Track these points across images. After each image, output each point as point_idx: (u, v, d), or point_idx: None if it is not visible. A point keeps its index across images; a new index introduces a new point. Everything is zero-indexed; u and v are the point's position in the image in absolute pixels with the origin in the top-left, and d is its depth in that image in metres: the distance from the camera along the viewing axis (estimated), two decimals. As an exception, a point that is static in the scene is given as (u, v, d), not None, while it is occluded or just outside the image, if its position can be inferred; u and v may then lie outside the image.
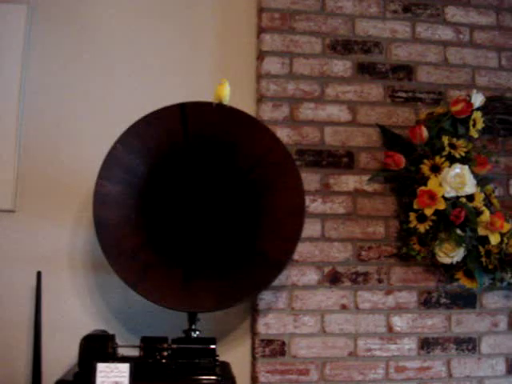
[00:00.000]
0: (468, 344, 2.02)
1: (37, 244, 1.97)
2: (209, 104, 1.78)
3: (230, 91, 1.80)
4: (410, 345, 2.00)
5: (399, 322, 2.00)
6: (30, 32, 2.07)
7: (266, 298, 1.94)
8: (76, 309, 1.95)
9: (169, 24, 2.13)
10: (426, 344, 2.00)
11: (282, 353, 1.93)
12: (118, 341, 1.73)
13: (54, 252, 1.97)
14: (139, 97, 2.06)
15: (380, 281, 2.01)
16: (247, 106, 2.02)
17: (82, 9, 2.10)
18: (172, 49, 2.12)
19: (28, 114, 2.03)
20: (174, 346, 1.65)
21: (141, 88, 2.08)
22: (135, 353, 1.67)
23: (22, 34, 2.05)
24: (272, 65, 2.05)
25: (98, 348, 1.62)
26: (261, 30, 2.08)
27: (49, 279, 1.90)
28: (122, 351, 1.68)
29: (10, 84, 2.03)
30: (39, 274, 1.86)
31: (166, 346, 1.65)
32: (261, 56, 2.06)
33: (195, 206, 1.82)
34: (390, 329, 1.99)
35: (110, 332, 1.75)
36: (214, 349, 1.66)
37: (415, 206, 1.93)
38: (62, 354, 1.87)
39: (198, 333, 1.71)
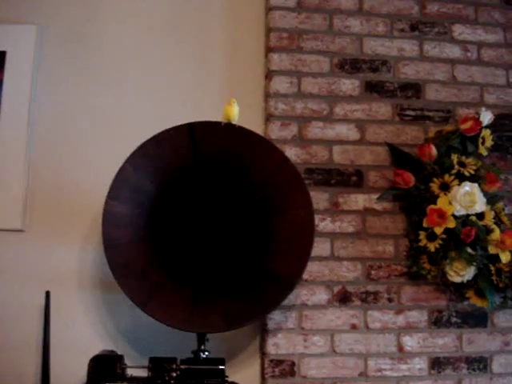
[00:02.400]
0: (479, 363, 2.00)
1: (46, 264, 1.96)
2: (217, 124, 1.78)
3: (239, 111, 1.80)
4: (420, 364, 1.97)
5: (410, 342, 1.97)
6: (40, 52, 2.09)
7: (275, 317, 1.93)
8: (85, 328, 1.94)
9: (178, 44, 2.14)
10: (437, 364, 1.98)
11: (292, 373, 1.91)
12: (127, 361, 1.72)
13: (63, 271, 1.96)
14: (149, 116, 2.07)
15: (390, 300, 1.99)
16: (256, 125, 2.01)
17: (92, 29, 2.12)
18: (181, 69, 2.13)
19: (37, 134, 2.04)
20: (183, 366, 1.64)
21: (150, 108, 2.09)
22: (144, 373, 1.65)
23: (32, 54, 2.07)
24: (280, 84, 2.06)
25: (106, 369, 1.61)
26: (269, 50, 2.08)
27: (58, 299, 1.89)
28: (130, 372, 1.67)
29: (20, 103, 2.04)
30: (48, 294, 1.86)
31: (174, 366, 1.63)
32: (269, 75, 2.07)
33: (204, 226, 1.82)
34: (400, 348, 1.97)
35: (119, 352, 1.73)
36: (223, 369, 1.65)
37: (425, 225, 1.92)
38: (70, 374, 1.85)
39: (207, 353, 1.70)
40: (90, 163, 2.04)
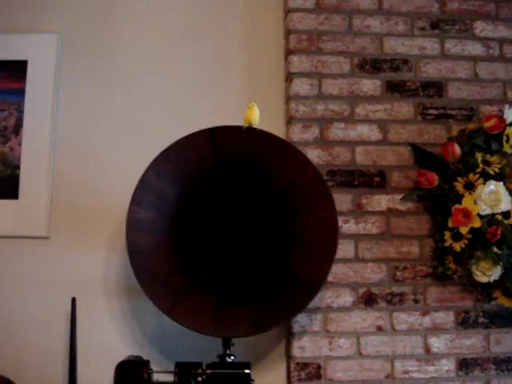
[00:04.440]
0: (508, 364, 1.97)
1: (71, 270, 1.98)
2: (238, 128, 1.78)
3: (259, 114, 1.80)
4: (448, 366, 1.95)
5: (437, 343, 1.95)
6: (61, 61, 2.10)
7: (300, 320, 1.92)
8: (110, 334, 1.95)
9: (197, 49, 2.15)
10: (465, 365, 1.95)
11: (318, 376, 1.90)
12: (153, 366, 1.72)
13: (89, 278, 1.98)
14: (170, 122, 2.07)
15: (416, 301, 1.97)
16: (277, 127, 2.01)
17: (111, 36, 2.13)
18: (201, 73, 2.13)
19: (60, 141, 2.06)
20: (209, 371, 1.64)
21: (171, 113, 2.10)
22: (170, 378, 1.65)
23: (53, 63, 2.09)
24: (301, 86, 2.05)
25: (133, 374, 1.62)
26: (288, 52, 2.08)
27: (83, 305, 1.91)
28: (156, 377, 1.67)
29: (43, 112, 2.06)
30: (74, 301, 1.88)
31: (200, 371, 1.64)
32: (289, 77, 2.06)
33: (227, 230, 1.82)
34: (427, 350, 1.95)
35: (145, 357, 1.74)
36: (248, 373, 1.64)
37: (450, 225, 1.90)
38: (97, 380, 1.87)
39: (232, 358, 1.69)
40: (112, 169, 2.05)
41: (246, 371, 1.65)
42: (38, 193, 2.01)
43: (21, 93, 2.07)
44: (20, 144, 2.04)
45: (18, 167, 2.02)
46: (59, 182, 2.04)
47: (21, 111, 2.06)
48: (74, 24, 2.13)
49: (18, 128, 2.05)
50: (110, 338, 1.95)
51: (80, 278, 1.97)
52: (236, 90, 2.13)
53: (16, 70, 2.08)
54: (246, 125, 1.78)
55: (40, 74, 2.08)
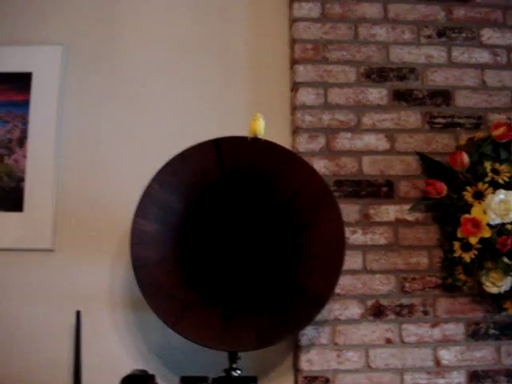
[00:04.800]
0: (519, 376, 1.95)
1: (76, 283, 1.96)
2: (243, 138, 1.76)
3: (265, 124, 1.78)
4: (458, 378, 1.91)
5: (447, 355, 1.92)
6: (66, 72, 2.10)
7: (308, 333, 1.90)
8: (116, 347, 1.93)
9: (202, 59, 2.14)
10: (476, 377, 1.92)
11: (327, 390, 1.88)
12: (159, 380, 1.70)
13: (93, 291, 1.96)
14: (175, 133, 2.06)
15: (425, 313, 1.94)
16: (283, 138, 2.00)
17: (116, 47, 2.13)
18: (206, 84, 2.12)
19: (65, 153, 2.05)
20: (215, 385, 1.62)
21: (176, 124, 2.09)
22: (175, 393, 1.64)
23: (58, 75, 2.08)
24: (306, 96, 2.03)
25: (138, 389, 1.60)
26: (294, 62, 2.06)
27: (89, 318, 1.90)
28: (162, 391, 1.66)
29: (47, 124, 2.06)
30: (78, 314, 1.87)
31: (206, 385, 1.62)
32: (295, 87, 2.05)
33: (233, 242, 1.80)
34: (437, 362, 1.92)
35: (150, 371, 1.72)
36: (255, 388, 1.63)
37: (459, 235, 1.88)
38: (102, 394, 1.85)
39: (238, 372, 1.67)
40: (117, 182, 2.04)
41: (253, 385, 1.63)
42: (42, 205, 2.00)
43: (25, 105, 2.06)
44: (25, 156, 2.03)
45: (22, 179, 2.01)
46: (64, 195, 2.03)
47: (25, 123, 2.05)
48: (78, 36, 2.13)
49: (22, 140, 2.04)
50: (116, 351, 1.93)
51: (85, 290, 1.96)
52: (241, 100, 2.12)
53: (20, 82, 2.08)
54: (251, 135, 1.76)
55: (44, 85, 2.08)
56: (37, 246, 1.99)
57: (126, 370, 1.69)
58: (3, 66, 2.09)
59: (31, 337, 1.93)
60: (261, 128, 1.76)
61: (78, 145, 2.07)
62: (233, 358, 1.68)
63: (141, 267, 1.64)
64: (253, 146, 1.76)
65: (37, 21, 2.13)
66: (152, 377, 1.64)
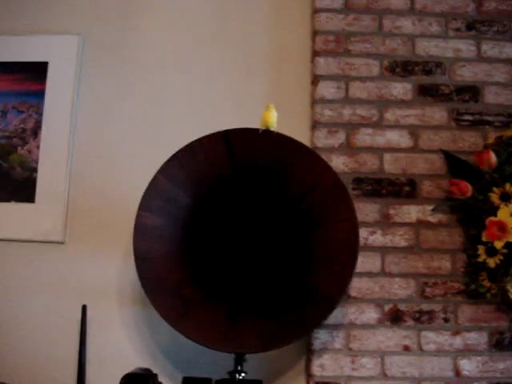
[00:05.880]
0: (545, 389, 1.84)
1: (84, 276, 1.95)
2: (255, 131, 1.71)
3: (283, 118, 1.74)
4: (480, 390, 1.84)
5: (468, 366, 1.83)
6: (82, 62, 2.08)
7: (321, 337, 1.83)
8: (122, 344, 1.91)
9: (221, 50, 2.10)
10: (499, 390, 1.84)
11: (339, 397, 1.81)
12: (165, 379, 1.69)
13: (102, 285, 1.94)
14: (192, 125, 2.01)
15: (446, 320, 1.86)
16: (302, 132, 1.95)
17: (132, 38, 2.11)
18: (224, 75, 2.09)
19: (78, 145, 2.04)
20: (217, 388, 1.57)
21: (193, 116, 2.05)
22: (178, 393, 1.60)
23: (74, 65, 2.07)
24: (327, 89, 1.97)
25: (138, 388, 1.55)
26: (315, 54, 2.00)
27: (95, 313, 1.89)
28: (163, 391, 1.61)
29: (62, 114, 2.04)
30: (84, 308, 1.85)
31: (208, 387, 1.57)
32: (315, 80, 1.98)
33: (242, 239, 1.75)
34: (457, 373, 1.83)
35: (155, 369, 1.69)
36: (259, 392, 1.57)
37: (484, 239, 1.80)
38: (107, 390, 1.82)
39: (243, 374, 1.61)
40: (130, 175, 2.00)
41: (257, 390, 1.57)
42: (54, 197, 1.99)
43: (40, 95, 2.05)
44: (38, 147, 2.01)
45: (35, 170, 2.00)
46: (76, 186, 2.01)
47: (40, 113, 2.04)
48: (95, 25, 2.12)
49: (36, 130, 2.03)
50: (123, 347, 1.91)
51: (94, 284, 1.94)
52: (260, 92, 2.07)
53: (36, 71, 2.07)
54: (263, 127, 1.70)
55: (60, 75, 2.06)
56: (47, 238, 1.97)
57: (132, 366, 1.65)
58: (20, 55, 2.09)
59: (39, 329, 1.92)
60: (273, 119, 1.70)
61: (92, 136, 2.05)
62: (238, 359, 1.63)
63: (143, 261, 1.61)
64: (264, 138, 1.70)
65: (54, 10, 2.12)
66: (154, 376, 1.59)
